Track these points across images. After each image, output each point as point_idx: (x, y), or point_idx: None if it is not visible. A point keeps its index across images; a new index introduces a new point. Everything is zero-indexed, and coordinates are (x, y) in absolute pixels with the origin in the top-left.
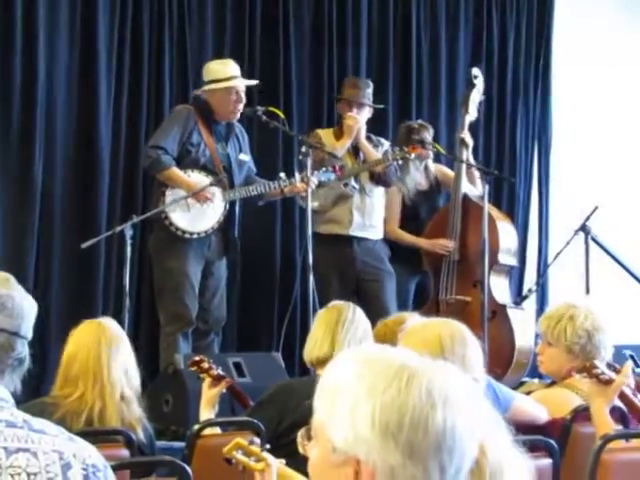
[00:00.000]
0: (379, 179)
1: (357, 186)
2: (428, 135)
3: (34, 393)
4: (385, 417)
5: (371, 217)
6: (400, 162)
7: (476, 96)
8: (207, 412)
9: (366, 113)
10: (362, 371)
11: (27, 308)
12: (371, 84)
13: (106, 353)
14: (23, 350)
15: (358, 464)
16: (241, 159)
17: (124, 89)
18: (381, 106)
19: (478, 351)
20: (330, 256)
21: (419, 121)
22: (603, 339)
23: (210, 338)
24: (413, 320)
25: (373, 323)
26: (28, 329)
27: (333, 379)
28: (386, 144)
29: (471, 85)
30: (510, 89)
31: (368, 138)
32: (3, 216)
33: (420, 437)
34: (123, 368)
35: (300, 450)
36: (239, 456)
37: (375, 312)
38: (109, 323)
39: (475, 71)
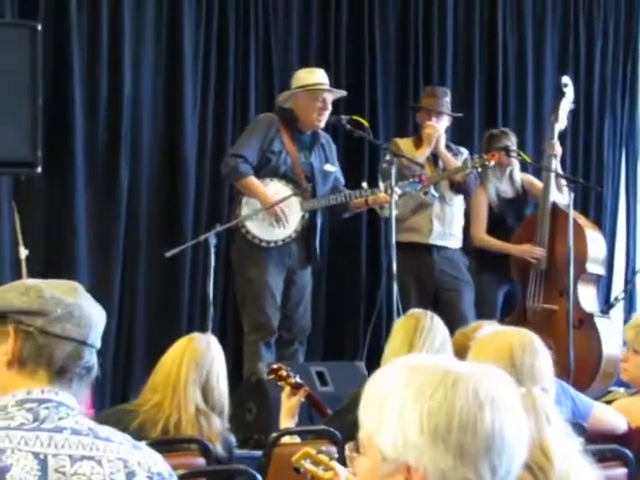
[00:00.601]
0: (459, 188)
1: (437, 194)
2: (510, 142)
3: (121, 401)
4: (434, 421)
5: (451, 226)
6: (480, 170)
7: (566, 105)
8: (287, 422)
9: (445, 122)
10: (408, 378)
11: (95, 317)
12: (449, 92)
13: (186, 368)
14: (91, 359)
15: (409, 471)
16: (326, 170)
17: (210, 96)
18: (460, 114)
19: (548, 361)
20: (409, 264)
21: (501, 128)
22: None
23: (294, 347)
24: (487, 329)
25: (451, 332)
26: (96, 338)
27: (378, 389)
28: (465, 153)
29: (561, 94)
30: (597, 96)
31: (447, 147)
32: (90, 225)
33: (470, 438)
34: (200, 384)
35: (348, 464)
36: (307, 465)
37: (453, 321)
38: (199, 339)
39: (565, 79)
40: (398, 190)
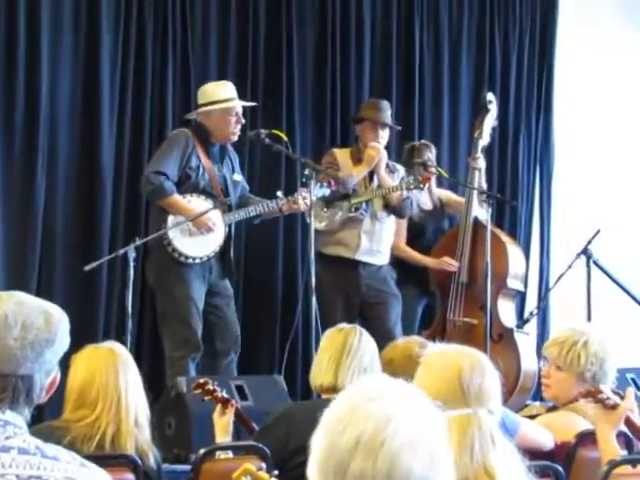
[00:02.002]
0: (394, 210)
1: (368, 211)
2: (431, 154)
3: (37, 416)
4: (320, 459)
5: (379, 243)
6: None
7: (490, 121)
8: (223, 440)
9: (387, 136)
10: (330, 409)
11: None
12: (389, 106)
13: (123, 378)
14: (25, 381)
15: None
16: (235, 179)
17: (127, 110)
18: (399, 127)
19: (496, 382)
20: (335, 278)
21: (422, 141)
22: (612, 365)
23: (230, 358)
24: (435, 347)
25: (379, 346)
26: (16, 364)
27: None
28: (401, 170)
29: (485, 110)
30: (512, 113)
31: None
32: (4, 238)
33: None
34: (138, 393)
35: None
36: None
37: (380, 335)
38: (120, 348)
39: (490, 96)
40: (312, 196)
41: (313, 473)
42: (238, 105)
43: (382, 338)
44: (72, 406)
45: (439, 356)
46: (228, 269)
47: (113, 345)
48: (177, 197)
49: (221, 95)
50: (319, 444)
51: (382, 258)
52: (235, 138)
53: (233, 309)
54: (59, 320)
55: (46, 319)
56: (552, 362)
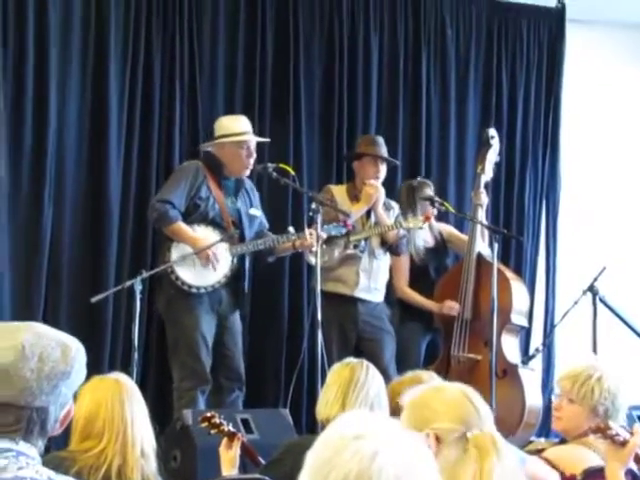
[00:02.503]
0: (390, 249)
1: (366, 248)
2: (430, 191)
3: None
4: None
5: (377, 280)
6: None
7: (492, 156)
8: (229, 473)
9: (385, 171)
10: (315, 448)
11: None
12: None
13: (129, 410)
14: (38, 413)
15: None
16: (252, 214)
17: (134, 143)
18: (397, 162)
19: (489, 417)
20: (333, 314)
21: (419, 179)
22: (624, 402)
23: (235, 394)
24: (409, 394)
25: None
26: (27, 395)
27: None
28: (396, 208)
29: (487, 145)
30: (519, 149)
31: None
32: (12, 269)
33: None
34: (144, 424)
35: None
36: None
37: None
38: (126, 379)
39: (492, 132)
40: (323, 234)
41: None
42: (250, 140)
43: None
44: (78, 437)
45: (434, 390)
46: (240, 301)
47: (119, 376)
48: (182, 225)
49: (235, 129)
50: None
51: (379, 295)
52: (247, 172)
53: (240, 346)
54: (76, 352)
55: (63, 351)
56: (565, 395)
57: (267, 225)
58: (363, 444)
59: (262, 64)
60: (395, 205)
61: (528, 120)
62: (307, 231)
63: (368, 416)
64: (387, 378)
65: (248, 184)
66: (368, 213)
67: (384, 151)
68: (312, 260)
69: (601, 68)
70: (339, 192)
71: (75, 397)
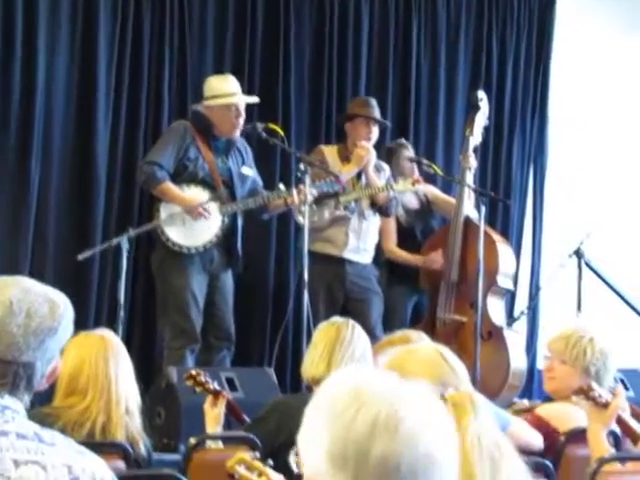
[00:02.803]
0: (380, 210)
1: (356, 209)
2: (409, 152)
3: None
4: (334, 448)
5: (365, 241)
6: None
7: (481, 119)
8: (213, 430)
9: (377, 133)
10: (324, 400)
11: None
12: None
13: (114, 366)
14: (25, 368)
15: None
16: (244, 173)
17: (123, 102)
18: (389, 124)
19: (464, 374)
20: (321, 274)
21: (398, 141)
22: (614, 364)
23: (222, 353)
24: (385, 355)
25: None
26: (15, 350)
27: (308, 407)
28: (387, 169)
29: (476, 108)
30: (507, 113)
31: None
32: None
33: (364, 469)
34: (129, 381)
35: (295, 469)
36: (242, 471)
37: None
38: (111, 335)
39: (480, 94)
40: (314, 191)
41: (325, 465)
42: (239, 101)
43: None
44: (63, 393)
45: (407, 352)
46: (233, 261)
47: (104, 332)
48: (170, 185)
49: (224, 90)
50: (326, 436)
51: (367, 256)
52: (237, 132)
53: (230, 306)
54: (64, 309)
55: (50, 307)
56: (556, 356)
57: (261, 183)
58: (383, 387)
59: (252, 24)
60: (386, 167)
61: (517, 85)
62: (300, 187)
63: (368, 368)
64: (374, 338)
65: (240, 142)
66: (359, 174)
67: (376, 113)
68: (301, 220)
69: (591, 34)
70: (330, 153)
71: (61, 353)
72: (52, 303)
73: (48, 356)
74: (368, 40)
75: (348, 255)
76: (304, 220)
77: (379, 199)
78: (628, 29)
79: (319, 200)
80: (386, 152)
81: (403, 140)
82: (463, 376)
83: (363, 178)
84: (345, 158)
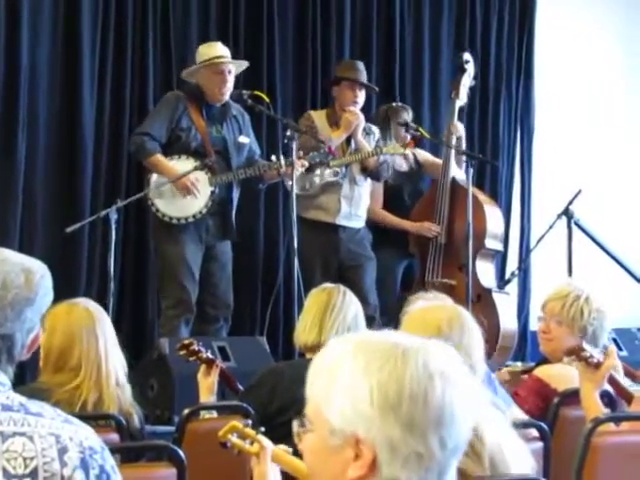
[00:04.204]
0: (371, 174)
1: (347, 175)
2: (407, 116)
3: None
4: (384, 391)
5: (358, 207)
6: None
7: (467, 81)
8: (207, 399)
9: (364, 96)
10: (356, 351)
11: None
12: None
13: (102, 341)
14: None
15: (357, 444)
16: (240, 141)
17: (107, 72)
18: (376, 88)
19: (478, 339)
20: (315, 241)
21: (399, 103)
22: (609, 323)
23: (219, 324)
24: (418, 304)
25: None
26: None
27: (327, 362)
28: (376, 132)
29: (462, 70)
30: (493, 74)
31: None
32: None
33: (420, 410)
34: (116, 352)
35: (295, 441)
36: (234, 439)
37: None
38: (95, 306)
39: (466, 56)
40: (305, 162)
41: (372, 410)
42: (223, 64)
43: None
44: (52, 368)
45: (420, 312)
46: (229, 230)
47: (88, 304)
48: (159, 157)
49: (209, 54)
50: (371, 382)
51: (360, 221)
52: (224, 98)
53: (229, 275)
54: (40, 277)
55: (27, 277)
56: (553, 317)
57: (258, 151)
58: (415, 340)
59: None
60: (376, 130)
61: (502, 46)
62: (294, 158)
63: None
64: (367, 304)
65: (236, 110)
66: (348, 140)
67: (363, 76)
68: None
69: None
70: (319, 118)
71: (42, 321)
72: (28, 272)
73: (27, 326)
74: (351, 4)
75: (341, 222)
76: (292, 187)
77: (369, 164)
78: None
79: (310, 167)
80: (384, 113)
81: (400, 103)
82: (460, 352)
83: (352, 143)
84: (334, 123)
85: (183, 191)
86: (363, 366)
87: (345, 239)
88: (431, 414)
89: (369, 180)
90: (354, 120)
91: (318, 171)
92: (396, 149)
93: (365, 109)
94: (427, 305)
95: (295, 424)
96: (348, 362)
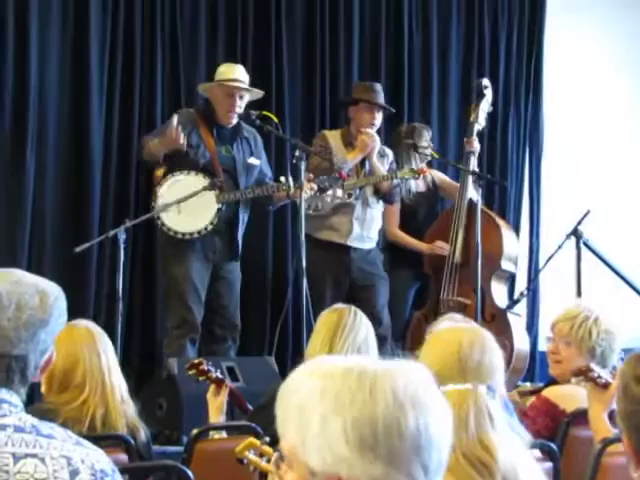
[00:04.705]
0: (384, 198)
1: (360, 197)
2: (419, 138)
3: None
4: (358, 430)
5: (370, 228)
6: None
7: (485, 105)
8: (216, 420)
9: (381, 119)
10: (324, 387)
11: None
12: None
13: (105, 359)
14: (18, 360)
15: None
16: (250, 162)
17: (116, 91)
18: (393, 110)
19: (498, 360)
20: (326, 262)
21: (414, 123)
22: (619, 344)
23: (227, 344)
24: (444, 323)
25: None
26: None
27: (295, 399)
28: (390, 155)
29: (481, 95)
30: (501, 94)
31: None
32: None
33: (396, 442)
34: (117, 369)
35: (272, 469)
36: (251, 456)
37: (367, 317)
38: (95, 326)
39: (485, 82)
40: (314, 185)
41: (349, 452)
42: (236, 88)
43: (369, 320)
44: (57, 389)
45: (442, 332)
46: (235, 250)
47: (88, 324)
48: (155, 139)
49: (226, 75)
50: (342, 424)
51: (371, 243)
52: (230, 121)
53: (237, 295)
54: (55, 299)
55: (41, 299)
56: (561, 338)
57: (269, 174)
58: (383, 369)
59: (244, 12)
60: (389, 152)
61: (510, 65)
62: (304, 181)
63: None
64: (380, 324)
65: (248, 132)
66: (362, 161)
67: (381, 98)
68: (307, 209)
69: (584, 12)
70: (334, 138)
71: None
72: (43, 294)
73: (41, 348)
74: (359, 25)
75: (352, 243)
76: (304, 208)
77: (382, 187)
78: (623, 8)
79: (321, 188)
80: (406, 132)
81: (423, 124)
82: (480, 372)
83: (367, 165)
84: (349, 143)
85: (176, 140)
86: (332, 405)
87: (356, 259)
88: (408, 444)
89: (381, 203)
90: (370, 142)
91: (330, 191)
92: (411, 174)
93: (377, 132)
94: (451, 325)
95: (275, 455)
96: (317, 401)
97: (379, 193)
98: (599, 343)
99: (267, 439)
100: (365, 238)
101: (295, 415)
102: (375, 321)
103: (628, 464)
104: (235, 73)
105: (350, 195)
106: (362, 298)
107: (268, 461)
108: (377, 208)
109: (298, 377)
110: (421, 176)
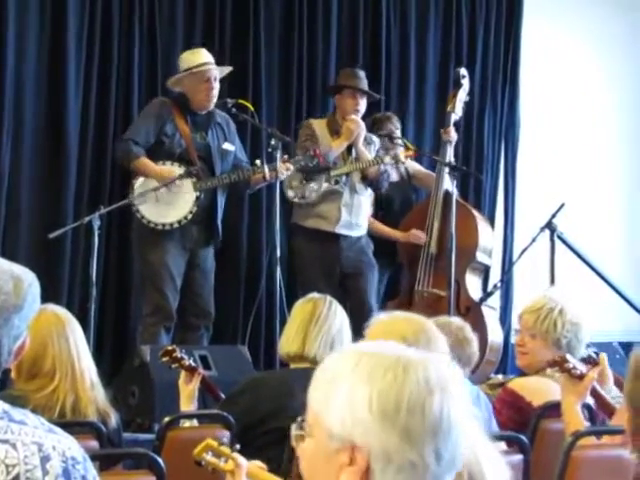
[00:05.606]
0: (371, 184)
1: (347, 184)
2: (394, 127)
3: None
4: (383, 400)
5: (358, 215)
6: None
7: (462, 95)
8: (187, 407)
9: (365, 105)
10: (359, 361)
11: None
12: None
13: (73, 344)
14: None
15: (353, 450)
16: (224, 148)
17: (93, 78)
18: (378, 96)
19: (443, 350)
20: (315, 250)
21: (385, 113)
22: (586, 334)
23: (200, 332)
24: (378, 317)
25: (355, 316)
26: None
27: (330, 370)
28: (377, 141)
29: (458, 84)
30: (478, 86)
31: None
32: None
33: (417, 421)
34: (86, 354)
35: (293, 444)
36: (209, 458)
37: (356, 306)
38: (63, 310)
39: (463, 71)
40: (290, 166)
41: (371, 418)
42: (209, 71)
43: (358, 309)
44: (26, 375)
45: (384, 324)
46: (213, 237)
47: (55, 309)
48: (146, 160)
49: (194, 62)
50: (370, 392)
51: (360, 230)
52: (210, 105)
53: (211, 283)
54: (29, 285)
55: (15, 284)
56: (527, 330)
57: (245, 159)
58: (413, 352)
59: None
60: (376, 139)
61: (487, 57)
62: (278, 162)
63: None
64: (370, 312)
65: (221, 117)
66: (349, 148)
67: (364, 84)
68: (290, 194)
69: (561, 4)
70: (319, 127)
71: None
72: (17, 280)
73: (14, 333)
74: (338, 12)
75: (340, 230)
76: (290, 194)
77: (370, 173)
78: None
79: (309, 175)
80: (373, 121)
81: (390, 113)
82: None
83: (353, 152)
84: (335, 131)
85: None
86: (364, 375)
87: (345, 247)
88: (428, 425)
89: (369, 190)
90: (355, 128)
91: (315, 185)
92: (397, 158)
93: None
94: (392, 317)
95: (293, 427)
96: (349, 371)
97: (366, 180)
98: (564, 335)
99: (225, 439)
100: (354, 225)
101: (326, 382)
102: (364, 309)
103: (625, 444)
104: (202, 57)
105: (337, 182)
106: (351, 286)
107: (226, 462)
108: (365, 195)
109: (337, 353)
110: (397, 165)
